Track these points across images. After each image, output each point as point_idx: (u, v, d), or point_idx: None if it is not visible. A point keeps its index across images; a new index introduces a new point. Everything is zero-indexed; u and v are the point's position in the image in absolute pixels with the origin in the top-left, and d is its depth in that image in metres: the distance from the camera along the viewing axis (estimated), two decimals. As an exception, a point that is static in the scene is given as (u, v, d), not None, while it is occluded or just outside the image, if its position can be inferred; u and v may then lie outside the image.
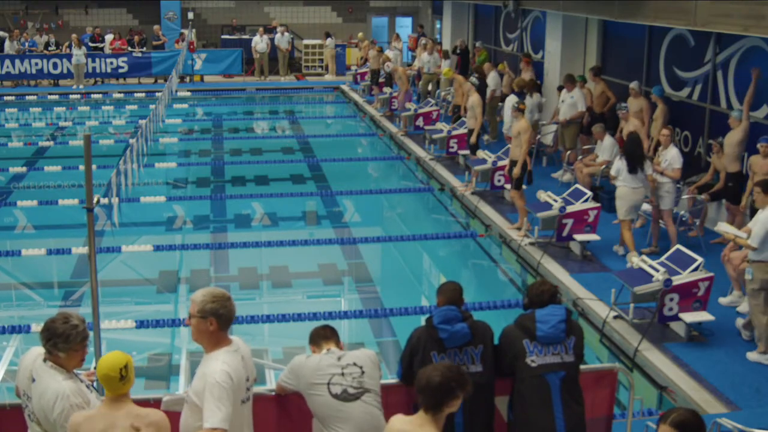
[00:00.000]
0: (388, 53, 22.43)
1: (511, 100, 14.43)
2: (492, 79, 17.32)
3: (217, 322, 4.16)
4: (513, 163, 11.48)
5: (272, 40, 26.68)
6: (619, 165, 10.28)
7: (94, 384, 4.46)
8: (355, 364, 4.61)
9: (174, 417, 4.26)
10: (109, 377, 3.97)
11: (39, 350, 4.32)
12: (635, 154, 10.14)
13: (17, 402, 4.55)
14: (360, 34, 27.63)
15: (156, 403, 4.45)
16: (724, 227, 8.58)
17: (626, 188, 10.18)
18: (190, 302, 4.26)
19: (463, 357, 4.84)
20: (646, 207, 11.38)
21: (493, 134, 17.46)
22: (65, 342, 4.15)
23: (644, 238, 11.08)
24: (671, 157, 10.41)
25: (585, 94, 14.54)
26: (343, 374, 4.57)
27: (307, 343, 4.84)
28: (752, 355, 7.89)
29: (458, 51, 22.40)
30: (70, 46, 24.92)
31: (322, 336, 4.79)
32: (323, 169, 16.42)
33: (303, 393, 4.63)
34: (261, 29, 26.54)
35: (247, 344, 4.45)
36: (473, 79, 15.62)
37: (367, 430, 4.54)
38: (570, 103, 14.16)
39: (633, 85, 13.17)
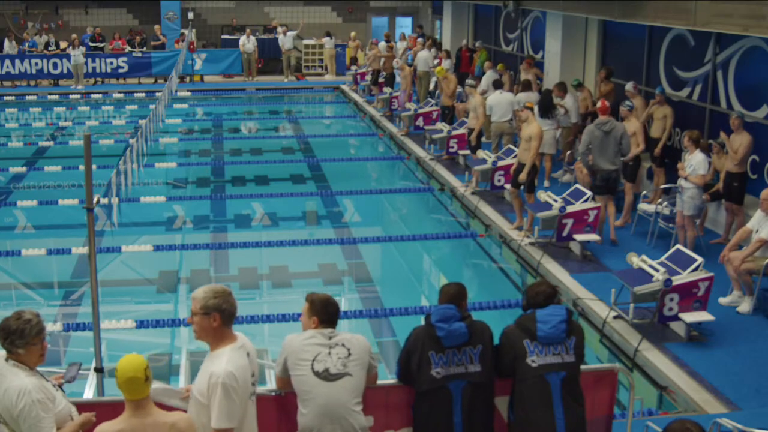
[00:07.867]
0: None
1: (508, 98, 14.52)
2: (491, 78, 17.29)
3: (220, 317, 4.23)
4: (521, 166, 11.36)
5: (271, 40, 26.70)
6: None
7: (63, 387, 4.53)
8: (343, 345, 4.62)
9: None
10: (135, 379, 3.99)
11: (2, 353, 4.37)
12: (548, 105, 13.63)
13: None
14: (353, 34, 27.55)
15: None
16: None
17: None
18: (191, 301, 4.29)
19: (461, 357, 4.84)
20: (646, 207, 11.40)
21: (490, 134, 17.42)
22: (21, 338, 4.22)
23: (644, 238, 11.09)
24: (696, 163, 10.10)
25: (585, 97, 14.53)
26: (329, 353, 4.59)
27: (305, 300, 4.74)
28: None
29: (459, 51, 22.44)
30: (70, 46, 24.93)
31: (326, 320, 4.69)
32: (323, 169, 16.41)
33: (289, 370, 4.65)
34: (248, 30, 26.52)
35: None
36: (469, 80, 15.62)
37: (331, 415, 4.52)
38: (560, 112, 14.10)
39: (628, 86, 13.09)
